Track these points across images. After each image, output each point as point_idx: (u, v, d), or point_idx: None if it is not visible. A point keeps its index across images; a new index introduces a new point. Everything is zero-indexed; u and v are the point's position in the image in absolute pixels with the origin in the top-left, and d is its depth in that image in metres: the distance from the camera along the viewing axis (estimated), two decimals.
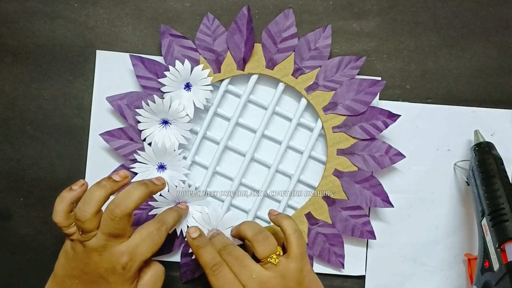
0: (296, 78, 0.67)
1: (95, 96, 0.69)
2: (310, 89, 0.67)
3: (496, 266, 0.57)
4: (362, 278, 0.69)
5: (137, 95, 0.67)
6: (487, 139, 0.68)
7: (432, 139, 0.70)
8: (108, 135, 0.67)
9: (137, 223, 0.67)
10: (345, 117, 0.67)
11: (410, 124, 0.70)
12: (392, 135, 0.69)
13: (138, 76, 0.67)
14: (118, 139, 0.67)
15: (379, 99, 0.69)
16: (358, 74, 0.68)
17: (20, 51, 0.69)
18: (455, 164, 0.70)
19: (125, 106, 0.67)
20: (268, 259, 0.57)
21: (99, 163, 0.69)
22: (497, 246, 0.57)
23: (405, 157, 0.67)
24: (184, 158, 0.68)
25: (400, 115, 0.67)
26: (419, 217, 0.70)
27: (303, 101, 0.68)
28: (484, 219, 0.60)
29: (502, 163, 0.63)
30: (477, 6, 0.70)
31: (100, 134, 0.67)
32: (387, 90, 0.70)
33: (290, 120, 0.69)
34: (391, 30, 0.70)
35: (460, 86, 0.70)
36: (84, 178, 0.69)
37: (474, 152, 0.65)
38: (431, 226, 0.70)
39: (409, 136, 0.70)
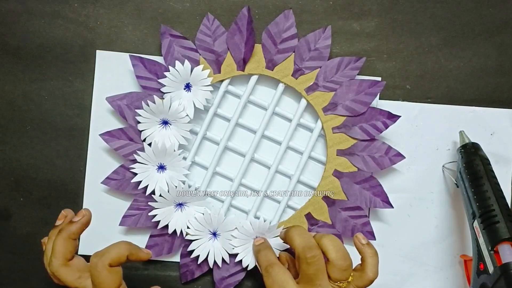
0: (296, 79, 0.67)
1: (95, 96, 0.69)
2: (310, 89, 0.67)
3: (491, 268, 0.56)
4: None
5: (137, 95, 0.67)
6: (487, 139, 0.68)
7: (432, 139, 0.70)
8: (108, 136, 0.67)
9: (137, 223, 0.67)
10: (345, 117, 0.67)
11: (410, 123, 0.70)
12: (392, 134, 0.69)
13: (138, 77, 0.67)
14: (118, 139, 0.67)
15: (379, 99, 0.69)
16: (358, 74, 0.68)
17: (20, 51, 0.69)
18: (443, 166, 0.69)
19: (125, 106, 0.67)
20: (338, 284, 0.57)
21: (99, 163, 0.69)
22: (490, 248, 0.57)
23: (404, 157, 0.67)
24: (184, 158, 0.68)
25: (400, 116, 0.67)
26: (419, 217, 0.70)
27: (303, 102, 0.68)
28: (476, 221, 0.60)
29: (489, 163, 0.63)
30: (477, 6, 0.70)
31: (100, 135, 0.67)
32: (387, 90, 0.70)
33: (290, 120, 0.69)
34: (391, 30, 0.70)
35: (460, 86, 0.70)
36: (84, 178, 0.69)
37: (461, 154, 0.65)
38: (431, 225, 0.70)
39: (409, 136, 0.70)
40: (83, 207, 0.68)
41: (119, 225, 0.67)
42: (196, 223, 0.67)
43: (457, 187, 0.66)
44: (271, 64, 0.67)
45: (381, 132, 0.67)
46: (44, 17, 0.69)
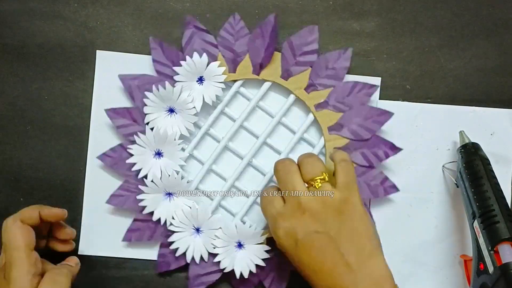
0: (308, 93, 0.67)
1: (95, 96, 0.69)
2: (319, 106, 0.67)
3: (490, 268, 0.57)
4: None
5: (149, 78, 0.67)
6: (487, 139, 0.68)
7: (432, 139, 0.70)
8: (113, 112, 0.67)
9: (123, 204, 0.67)
10: (348, 140, 0.67)
11: (410, 123, 0.70)
12: (392, 134, 0.69)
13: (154, 60, 0.67)
14: (122, 117, 0.67)
15: (379, 99, 0.69)
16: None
17: (20, 51, 0.69)
18: (443, 166, 0.70)
19: (136, 87, 0.67)
20: (312, 182, 0.56)
21: (99, 163, 0.69)
22: (490, 248, 0.57)
23: (398, 190, 0.68)
24: (183, 149, 0.68)
25: (402, 149, 0.67)
26: (419, 217, 0.70)
27: (310, 117, 0.68)
28: (476, 221, 0.60)
29: (489, 163, 0.64)
30: (477, 6, 0.70)
31: (105, 109, 0.67)
32: (387, 90, 0.70)
33: (294, 133, 0.69)
34: (391, 30, 0.70)
35: (460, 86, 0.70)
36: (84, 178, 0.69)
37: (461, 154, 0.65)
38: (431, 225, 0.70)
39: (409, 136, 0.70)
40: (83, 208, 0.68)
41: (106, 202, 0.67)
42: (182, 216, 0.67)
43: (457, 187, 0.66)
44: (286, 74, 0.67)
45: (381, 162, 0.67)
46: (44, 17, 0.69)
